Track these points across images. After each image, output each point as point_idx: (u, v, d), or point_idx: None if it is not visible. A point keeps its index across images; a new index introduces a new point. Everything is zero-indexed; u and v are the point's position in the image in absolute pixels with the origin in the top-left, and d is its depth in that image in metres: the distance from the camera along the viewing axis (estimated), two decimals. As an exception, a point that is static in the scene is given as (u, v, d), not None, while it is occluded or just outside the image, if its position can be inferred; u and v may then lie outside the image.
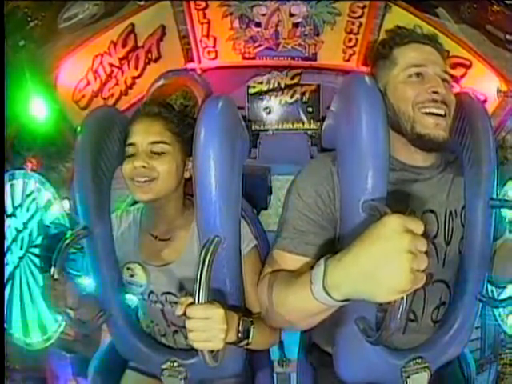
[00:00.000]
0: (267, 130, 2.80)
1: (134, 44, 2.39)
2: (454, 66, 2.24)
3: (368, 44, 2.46)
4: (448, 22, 2.25)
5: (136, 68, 2.45)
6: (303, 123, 2.80)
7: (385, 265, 0.57)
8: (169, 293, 1.02)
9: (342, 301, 0.65)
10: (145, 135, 0.96)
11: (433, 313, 0.94)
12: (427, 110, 0.87)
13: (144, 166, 0.94)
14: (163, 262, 1.02)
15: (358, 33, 2.53)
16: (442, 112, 0.87)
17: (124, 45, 2.36)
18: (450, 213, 0.93)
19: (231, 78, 2.69)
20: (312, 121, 2.78)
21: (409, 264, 0.56)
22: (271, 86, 2.80)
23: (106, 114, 1.02)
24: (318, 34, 2.59)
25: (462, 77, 2.27)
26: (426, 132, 0.87)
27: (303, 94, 2.80)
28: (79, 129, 0.98)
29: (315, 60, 2.68)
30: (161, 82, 1.10)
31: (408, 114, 0.88)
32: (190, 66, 2.63)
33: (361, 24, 2.50)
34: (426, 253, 0.58)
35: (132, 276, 1.02)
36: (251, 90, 2.80)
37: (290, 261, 0.87)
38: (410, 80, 0.89)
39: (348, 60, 2.63)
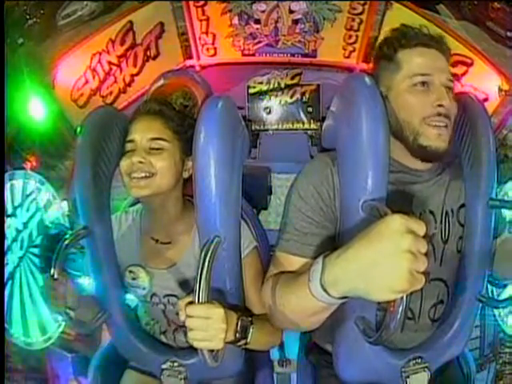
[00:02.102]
0: (267, 130, 2.79)
1: (132, 41, 2.38)
2: (456, 63, 2.22)
3: (369, 40, 2.46)
4: (448, 19, 2.24)
5: (134, 66, 2.44)
6: (303, 123, 2.79)
7: (383, 263, 0.57)
8: (171, 295, 1.02)
9: (339, 298, 0.65)
10: (144, 132, 0.96)
11: (430, 311, 0.95)
12: (432, 123, 0.86)
13: (141, 162, 0.93)
14: (165, 264, 1.02)
15: (358, 29, 2.53)
16: (444, 124, 0.87)
17: (122, 42, 2.35)
18: (447, 212, 0.93)
19: (230, 74, 2.68)
20: (312, 121, 2.78)
21: (408, 264, 0.56)
22: (271, 86, 2.79)
23: (106, 114, 1.02)
24: (317, 31, 2.58)
25: (463, 75, 2.26)
26: (428, 144, 0.86)
27: (303, 94, 2.79)
28: (79, 129, 0.97)
29: (315, 57, 2.67)
30: (161, 81, 1.10)
31: (413, 126, 0.87)
32: (188, 62, 2.62)
33: (361, 21, 2.49)
34: (426, 254, 0.58)
35: (134, 279, 1.02)
36: (251, 90, 2.79)
37: (294, 263, 0.87)
38: (414, 89, 0.87)
39: (348, 57, 2.62)
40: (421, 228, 0.58)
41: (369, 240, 0.60)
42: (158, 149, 0.95)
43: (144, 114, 0.99)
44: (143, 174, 0.94)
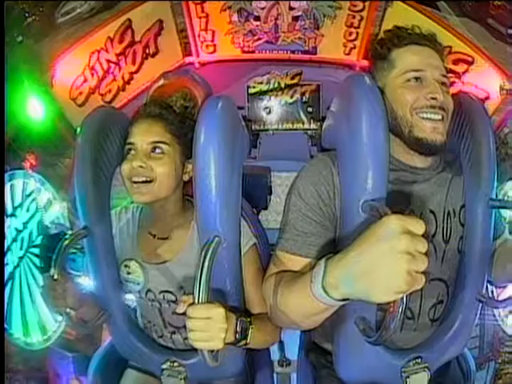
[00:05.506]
0: (267, 130, 2.79)
1: (131, 39, 2.37)
2: (457, 61, 2.23)
3: (369, 37, 2.45)
4: (449, 16, 2.23)
5: (133, 63, 2.44)
6: (303, 123, 2.79)
7: (382, 265, 0.57)
8: (166, 291, 1.02)
9: (340, 300, 0.65)
10: (145, 135, 0.95)
11: (430, 311, 0.95)
12: (425, 116, 0.87)
13: (142, 166, 0.93)
14: (161, 259, 1.02)
15: (358, 26, 2.52)
16: (439, 117, 0.87)
17: (121, 40, 2.34)
18: (449, 212, 0.93)
19: (230, 72, 2.68)
20: (312, 121, 2.77)
21: (406, 265, 0.56)
22: (271, 86, 2.79)
23: (106, 114, 1.02)
24: (318, 28, 2.58)
25: (464, 73, 2.26)
26: (424, 136, 0.87)
27: (303, 93, 2.79)
28: (79, 129, 0.97)
29: (315, 54, 2.67)
30: (160, 82, 1.09)
31: (406, 119, 0.88)
32: (188, 60, 2.62)
33: (362, 18, 2.48)
34: (426, 253, 0.58)
35: (129, 273, 1.02)
36: (251, 90, 2.79)
37: (294, 262, 0.87)
38: (408, 84, 0.88)
39: (348, 54, 2.62)
40: (419, 227, 0.58)
41: (367, 242, 0.60)
42: (158, 153, 0.95)
43: (144, 116, 0.98)
44: (143, 179, 0.94)
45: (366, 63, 2.48)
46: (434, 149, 0.87)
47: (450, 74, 0.95)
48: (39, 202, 1.89)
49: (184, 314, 0.77)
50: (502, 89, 2.17)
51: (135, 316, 1.10)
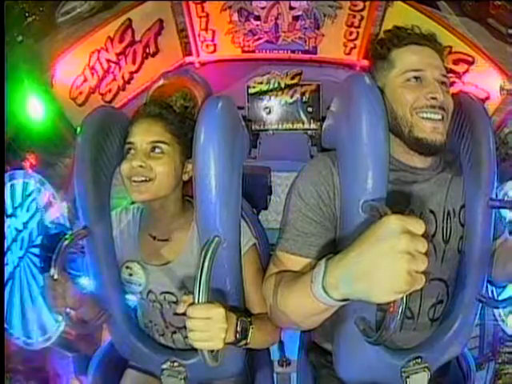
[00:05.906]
0: (267, 130, 2.80)
1: (131, 39, 2.38)
2: (457, 61, 2.23)
3: (369, 37, 2.46)
4: (449, 15, 2.24)
5: (133, 63, 2.44)
6: (303, 123, 2.79)
7: (382, 266, 0.57)
8: (168, 292, 1.02)
9: (340, 300, 0.66)
10: (144, 135, 0.96)
11: (429, 310, 0.95)
12: (425, 115, 0.87)
13: (141, 166, 0.93)
14: (162, 261, 1.02)
15: (359, 26, 2.52)
16: (439, 117, 0.87)
17: (121, 40, 2.35)
18: (448, 212, 0.93)
19: (230, 71, 2.68)
20: (312, 121, 2.78)
21: (406, 265, 0.56)
22: (271, 86, 2.79)
23: (106, 114, 1.02)
24: (318, 28, 2.58)
25: (465, 73, 2.26)
26: (424, 136, 0.87)
27: (303, 93, 2.79)
28: (79, 129, 0.97)
29: (315, 53, 2.67)
30: (160, 82, 1.09)
31: (406, 119, 0.88)
32: (188, 59, 2.62)
33: (362, 17, 2.49)
34: (426, 253, 0.58)
35: (131, 275, 1.02)
36: (251, 90, 2.79)
37: (294, 262, 0.87)
38: (408, 84, 0.88)
39: (349, 53, 2.62)
40: (419, 227, 0.58)
41: (367, 243, 0.60)
42: (158, 152, 0.95)
43: (144, 116, 0.98)
44: (143, 178, 0.94)
45: (366, 63, 2.48)
46: (434, 149, 0.87)
47: (450, 74, 0.95)
48: (39, 202, 1.90)
49: (184, 314, 0.77)
50: (502, 89, 2.18)
51: (135, 316, 1.10)
